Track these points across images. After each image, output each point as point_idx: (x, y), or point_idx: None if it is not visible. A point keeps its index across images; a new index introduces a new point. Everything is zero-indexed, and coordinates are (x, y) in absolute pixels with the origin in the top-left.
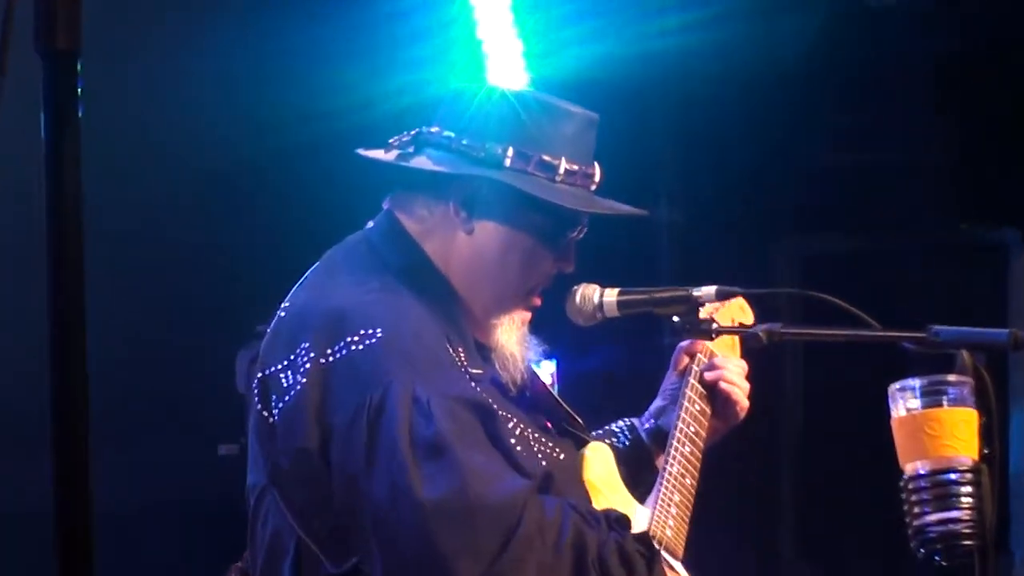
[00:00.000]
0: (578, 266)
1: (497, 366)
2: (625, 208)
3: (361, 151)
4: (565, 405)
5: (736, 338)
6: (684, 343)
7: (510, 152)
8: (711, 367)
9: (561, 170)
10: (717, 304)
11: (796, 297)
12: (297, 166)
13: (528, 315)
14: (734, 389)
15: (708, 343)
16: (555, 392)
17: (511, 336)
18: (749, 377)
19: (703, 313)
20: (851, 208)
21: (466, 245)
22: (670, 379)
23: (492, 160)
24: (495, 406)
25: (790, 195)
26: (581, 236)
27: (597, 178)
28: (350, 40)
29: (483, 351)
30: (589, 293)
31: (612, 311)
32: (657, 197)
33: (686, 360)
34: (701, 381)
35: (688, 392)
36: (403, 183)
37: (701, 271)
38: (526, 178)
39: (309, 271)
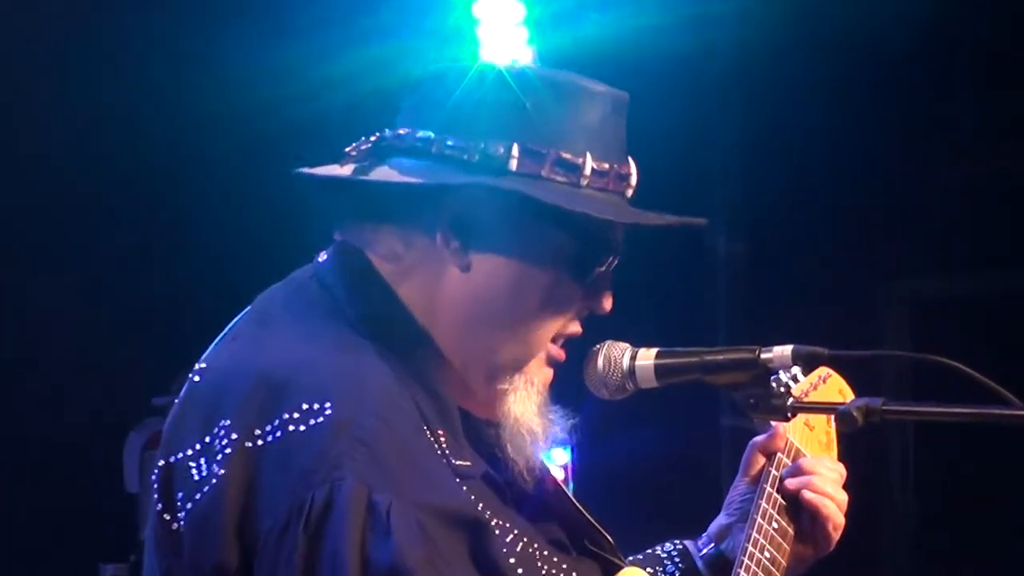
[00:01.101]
0: (600, 318)
1: (508, 450)
2: (675, 219)
3: (306, 170)
4: (587, 514)
5: (831, 430)
6: (759, 438)
7: (515, 151)
8: (796, 471)
9: (587, 170)
10: (804, 384)
11: (907, 361)
12: (209, 177)
13: (550, 375)
14: (826, 503)
15: (792, 436)
16: (571, 494)
17: (528, 405)
18: (848, 483)
19: (779, 386)
20: (981, 237)
21: (461, 286)
22: (738, 487)
23: (491, 164)
24: (488, 513)
25: (899, 220)
26: (615, 263)
27: (633, 180)
28: (290, 7)
29: (475, 430)
30: (616, 355)
31: (648, 380)
32: (712, 220)
33: (761, 461)
34: (782, 490)
35: (763, 505)
36: (365, 209)
37: (771, 323)
38: (541, 184)
39: (235, 320)
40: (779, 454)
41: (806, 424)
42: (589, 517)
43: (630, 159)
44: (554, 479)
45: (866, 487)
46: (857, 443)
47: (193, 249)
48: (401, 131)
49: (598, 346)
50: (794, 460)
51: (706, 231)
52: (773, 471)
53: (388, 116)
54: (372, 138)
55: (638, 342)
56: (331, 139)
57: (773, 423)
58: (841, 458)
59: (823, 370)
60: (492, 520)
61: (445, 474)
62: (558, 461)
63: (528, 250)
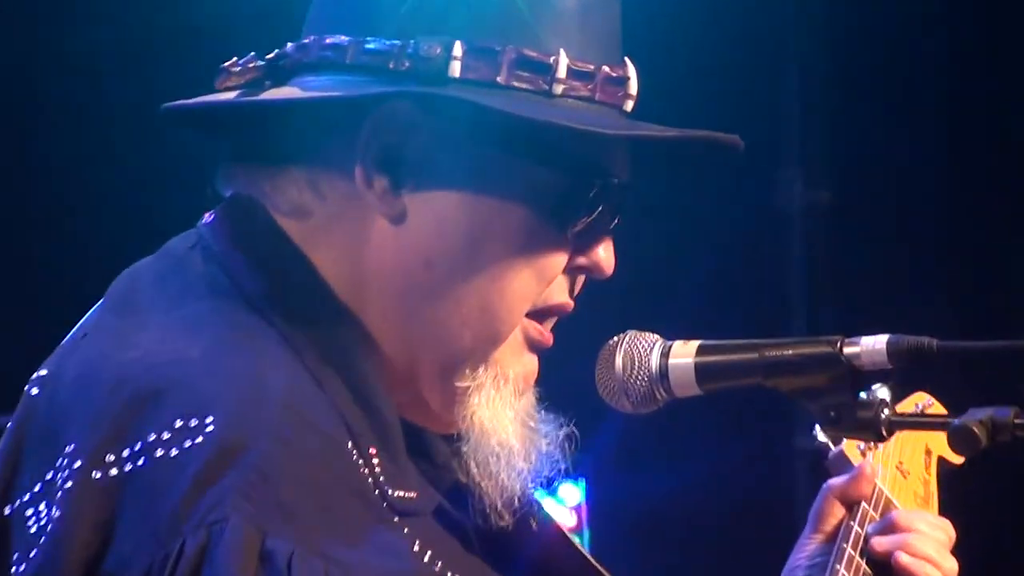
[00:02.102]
0: (619, 298)
1: (473, 474)
2: (695, 133)
3: (175, 104)
4: (601, 568)
5: (931, 480)
6: (836, 480)
7: (457, 50)
8: (887, 528)
9: (561, 71)
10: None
11: None
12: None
13: (532, 367)
14: (928, 570)
15: (881, 482)
16: (581, 545)
17: (499, 409)
18: (957, 547)
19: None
20: None
21: (392, 244)
22: (807, 546)
23: (426, 70)
24: (439, 565)
25: None
26: (617, 206)
27: (632, 87)
28: None
29: (425, 448)
30: (642, 351)
31: (687, 385)
32: (785, 162)
33: (838, 513)
34: (867, 552)
35: (841, 571)
36: (258, 150)
37: (864, 305)
38: (497, 93)
39: (89, 313)
40: (863, 504)
41: (899, 468)
42: (603, 572)
43: (627, 60)
44: (556, 526)
45: (983, 553)
46: (968, 490)
47: (35, 221)
48: (306, 40)
49: (616, 339)
50: (884, 513)
51: (780, 178)
52: (856, 526)
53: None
54: (268, 56)
55: (672, 332)
56: (205, 63)
57: (856, 462)
58: (944, 515)
59: (922, 397)
60: (448, 574)
61: (374, 512)
62: (568, 501)
63: (484, 186)
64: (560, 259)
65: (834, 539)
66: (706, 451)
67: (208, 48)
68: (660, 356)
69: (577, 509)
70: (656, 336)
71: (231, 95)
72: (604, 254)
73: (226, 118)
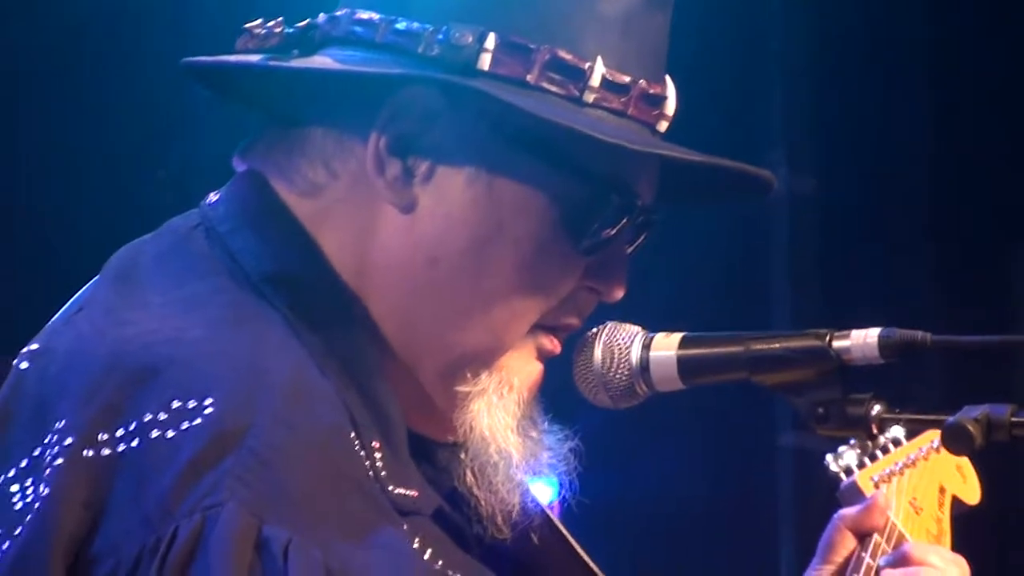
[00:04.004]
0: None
1: (469, 482)
2: (728, 163)
3: (194, 60)
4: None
5: (943, 517)
6: (848, 510)
7: (490, 42)
8: (900, 560)
9: (595, 79)
10: (909, 449)
11: None
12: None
13: (535, 374)
14: None
15: (894, 515)
16: (584, 553)
17: (500, 417)
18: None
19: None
20: None
21: (400, 234)
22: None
23: (454, 58)
24: (440, 564)
25: None
26: (641, 235)
27: (669, 108)
28: None
29: (424, 451)
30: (622, 343)
31: (669, 379)
32: (770, 148)
33: (849, 544)
34: None
35: None
36: (275, 122)
37: (852, 296)
38: (525, 93)
39: (85, 288)
40: (875, 536)
41: (911, 504)
42: None
43: (668, 78)
44: (552, 525)
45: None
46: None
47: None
48: (339, 13)
49: (595, 330)
50: (896, 546)
51: (763, 164)
52: (867, 558)
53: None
54: (300, 24)
55: (653, 324)
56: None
57: (868, 493)
58: (958, 550)
59: (936, 436)
60: (448, 573)
61: (376, 506)
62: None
63: (498, 187)
64: (569, 273)
65: (844, 570)
66: (690, 451)
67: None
68: (641, 348)
69: (550, 507)
70: (637, 327)
71: (255, 58)
72: (614, 278)
73: (248, 80)
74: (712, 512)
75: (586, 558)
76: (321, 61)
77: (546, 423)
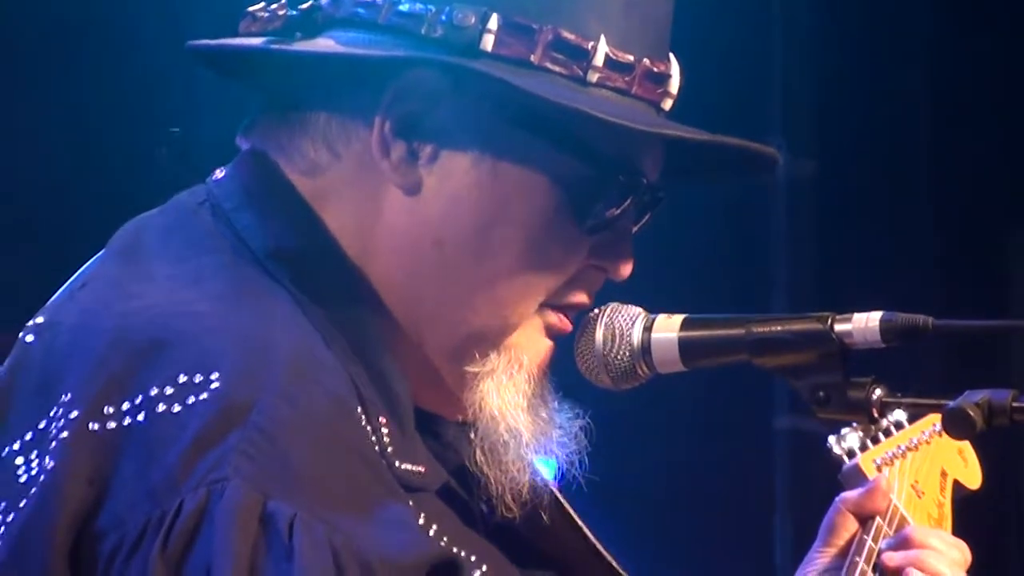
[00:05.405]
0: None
1: (479, 461)
2: (733, 141)
3: (200, 43)
4: (610, 558)
5: (945, 502)
6: (850, 493)
7: (493, 23)
8: (901, 543)
9: (599, 58)
10: (912, 433)
11: None
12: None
13: (544, 351)
14: None
15: (896, 498)
16: (590, 532)
17: (510, 396)
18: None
19: (856, 394)
20: None
21: (404, 216)
22: (817, 560)
23: (457, 39)
24: (445, 540)
25: None
26: (645, 215)
27: (673, 86)
28: None
29: (432, 429)
30: (623, 325)
31: (670, 361)
32: (769, 134)
33: (851, 527)
34: (880, 567)
35: None
36: (278, 103)
37: (852, 280)
38: (529, 73)
39: (90, 262)
40: (878, 519)
41: (913, 488)
42: (611, 561)
43: (672, 56)
44: (560, 505)
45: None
46: (981, 508)
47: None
48: None
49: (596, 312)
50: (898, 529)
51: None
52: (869, 541)
53: None
54: (302, 6)
55: (653, 305)
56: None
57: (871, 476)
58: (957, 535)
59: (937, 419)
60: (454, 551)
61: (383, 482)
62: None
63: (503, 168)
64: (574, 253)
65: (846, 553)
66: (689, 432)
67: None
68: (643, 330)
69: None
70: (638, 309)
71: (258, 41)
72: (620, 256)
73: (251, 62)
74: (708, 494)
75: (592, 537)
76: (324, 44)
77: (556, 403)
